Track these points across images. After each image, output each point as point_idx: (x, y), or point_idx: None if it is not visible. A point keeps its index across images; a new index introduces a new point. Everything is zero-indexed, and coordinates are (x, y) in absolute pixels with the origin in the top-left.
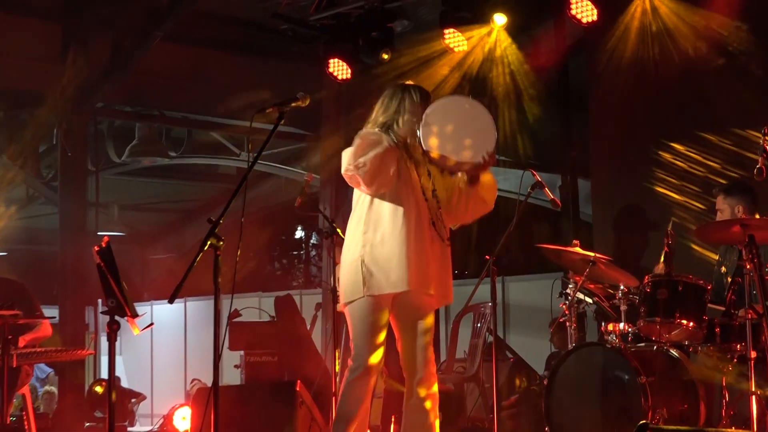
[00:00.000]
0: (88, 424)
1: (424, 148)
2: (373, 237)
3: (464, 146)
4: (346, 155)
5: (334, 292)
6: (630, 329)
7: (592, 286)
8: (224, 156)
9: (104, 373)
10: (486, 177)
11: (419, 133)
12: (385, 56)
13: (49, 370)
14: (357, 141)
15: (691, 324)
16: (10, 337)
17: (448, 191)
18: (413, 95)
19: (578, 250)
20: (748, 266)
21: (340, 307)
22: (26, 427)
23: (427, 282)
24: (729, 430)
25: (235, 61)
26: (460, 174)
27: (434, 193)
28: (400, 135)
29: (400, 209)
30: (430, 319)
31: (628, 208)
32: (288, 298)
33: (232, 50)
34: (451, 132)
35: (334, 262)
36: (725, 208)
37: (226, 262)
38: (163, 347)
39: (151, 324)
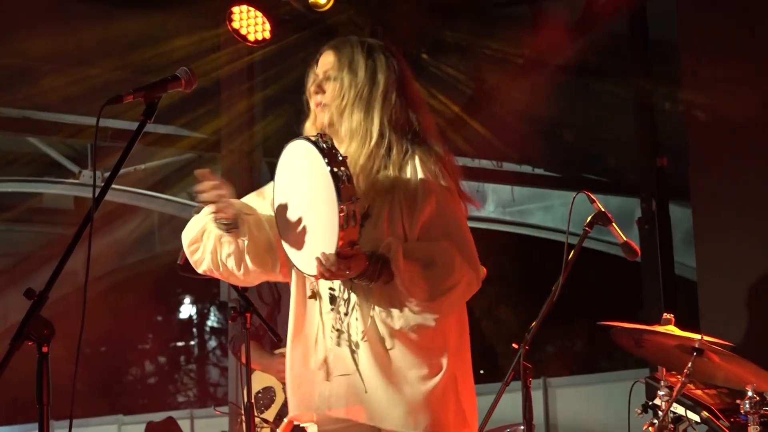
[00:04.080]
0: None
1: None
2: None
3: (300, 241)
4: None
5: (248, 414)
6: None
7: (698, 392)
8: (53, 179)
9: None
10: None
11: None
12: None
13: None
14: None
15: None
16: None
17: None
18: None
19: (673, 330)
20: None
21: None
22: None
23: None
24: None
25: (74, 11)
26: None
27: None
28: None
29: None
30: None
31: (761, 256)
32: (168, 424)
33: None
34: (290, 209)
35: (246, 366)
36: None
37: (60, 365)
38: None
39: None
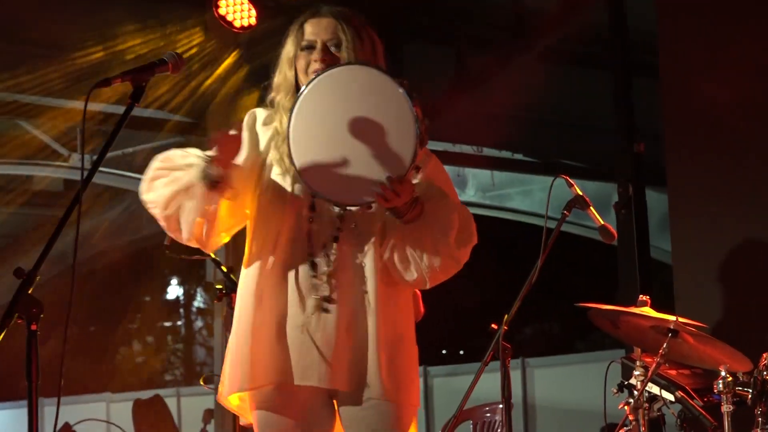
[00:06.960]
0: None
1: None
2: None
3: (342, 172)
4: None
5: None
6: None
7: (673, 372)
8: (42, 161)
9: None
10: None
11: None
12: None
13: None
14: None
15: None
16: None
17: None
18: (294, 31)
19: (648, 311)
20: None
21: None
22: None
23: None
24: None
25: None
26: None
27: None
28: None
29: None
30: None
31: (735, 240)
32: (155, 402)
33: None
34: (322, 140)
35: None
36: None
37: (49, 344)
38: None
39: None
